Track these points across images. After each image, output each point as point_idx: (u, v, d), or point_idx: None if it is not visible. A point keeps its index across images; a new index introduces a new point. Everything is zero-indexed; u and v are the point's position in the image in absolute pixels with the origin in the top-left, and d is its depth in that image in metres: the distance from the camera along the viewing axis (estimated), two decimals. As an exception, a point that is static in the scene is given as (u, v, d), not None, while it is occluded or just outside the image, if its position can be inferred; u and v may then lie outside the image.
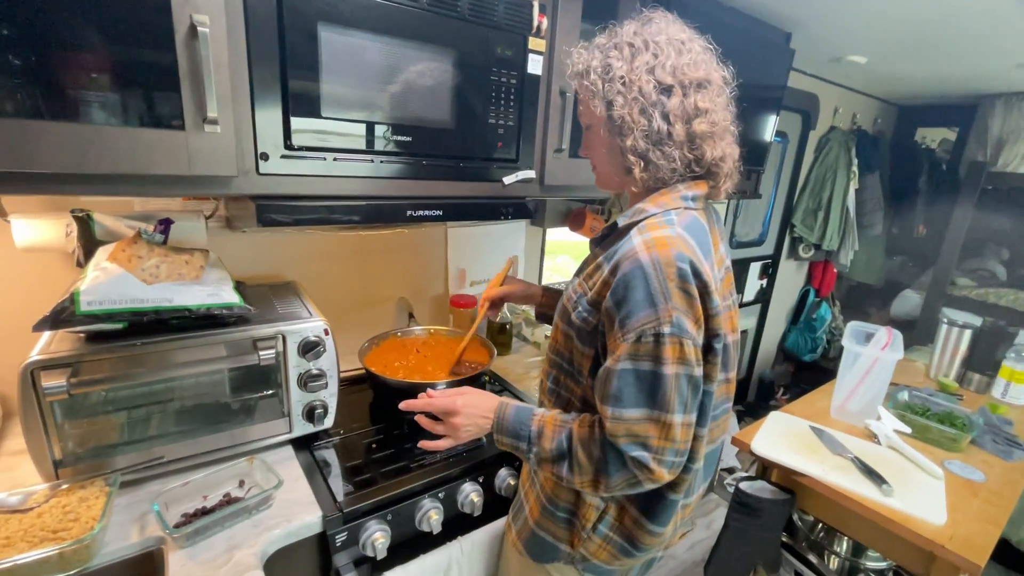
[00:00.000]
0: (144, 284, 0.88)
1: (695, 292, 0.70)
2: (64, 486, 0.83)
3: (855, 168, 2.90)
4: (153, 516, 0.82)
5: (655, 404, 0.70)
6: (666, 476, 0.72)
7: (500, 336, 1.62)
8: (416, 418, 0.90)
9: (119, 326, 0.86)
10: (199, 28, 0.75)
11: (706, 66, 0.77)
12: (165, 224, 1.06)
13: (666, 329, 0.68)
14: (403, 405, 0.91)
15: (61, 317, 0.80)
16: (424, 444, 0.89)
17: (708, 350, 0.75)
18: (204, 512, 0.87)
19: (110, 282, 0.85)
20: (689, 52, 0.76)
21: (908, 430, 1.36)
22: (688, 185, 0.79)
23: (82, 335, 0.87)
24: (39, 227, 0.99)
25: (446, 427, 0.87)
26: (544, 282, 2.03)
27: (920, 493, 1.13)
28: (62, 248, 1.01)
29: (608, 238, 0.83)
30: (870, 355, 1.37)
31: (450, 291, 1.70)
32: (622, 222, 0.79)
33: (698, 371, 0.72)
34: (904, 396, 1.52)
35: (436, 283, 1.70)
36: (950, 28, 1.64)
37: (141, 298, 0.87)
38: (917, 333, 2.80)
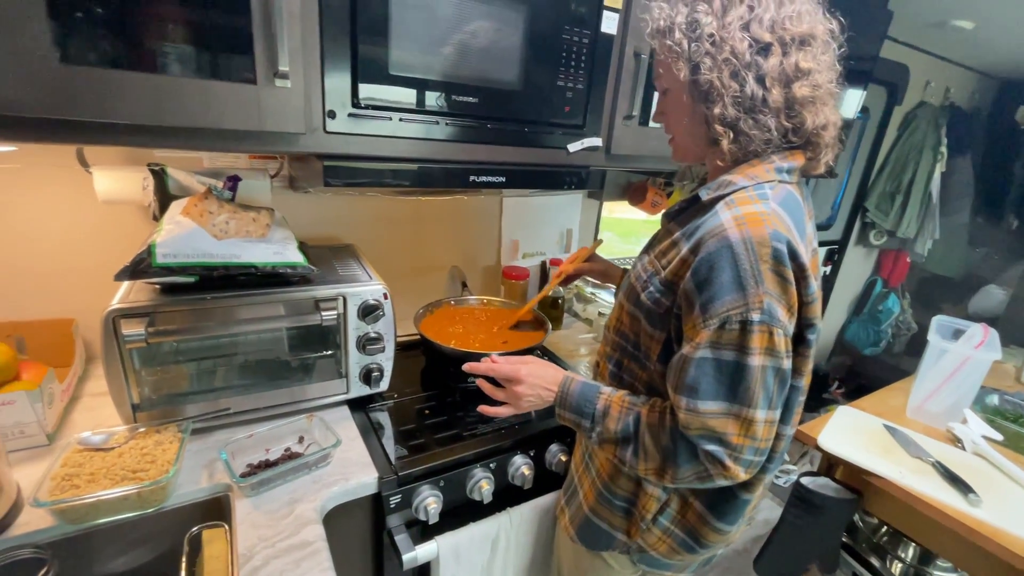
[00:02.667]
0: (215, 239, 0.89)
1: (791, 276, 0.63)
2: (141, 429, 0.87)
3: (943, 149, 2.64)
4: (221, 464, 0.85)
5: (736, 398, 0.64)
6: (742, 475, 0.67)
7: (552, 311, 1.59)
8: (478, 382, 0.88)
9: (191, 279, 0.88)
10: (274, -23, 0.73)
11: (810, 18, 0.67)
12: (233, 181, 1.08)
13: (755, 316, 0.61)
14: (467, 367, 0.89)
15: (139, 268, 0.83)
16: (483, 409, 0.87)
17: (800, 340, 0.68)
18: (268, 464, 0.89)
19: (184, 236, 0.87)
20: (792, 1, 0.66)
21: (999, 437, 1.24)
22: (783, 156, 0.70)
23: (157, 287, 0.90)
24: (118, 179, 1.02)
25: (508, 394, 0.85)
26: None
27: (1011, 506, 1.03)
28: (139, 201, 1.04)
29: (685, 212, 0.76)
30: (959, 353, 1.25)
31: (502, 262, 1.68)
32: (705, 195, 0.71)
33: (787, 364, 0.65)
34: (994, 400, 1.39)
35: (489, 253, 1.68)
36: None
37: (212, 253, 0.88)
38: (1002, 332, 2.56)
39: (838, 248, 2.81)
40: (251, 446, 0.93)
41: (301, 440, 0.98)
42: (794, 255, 0.63)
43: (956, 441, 1.24)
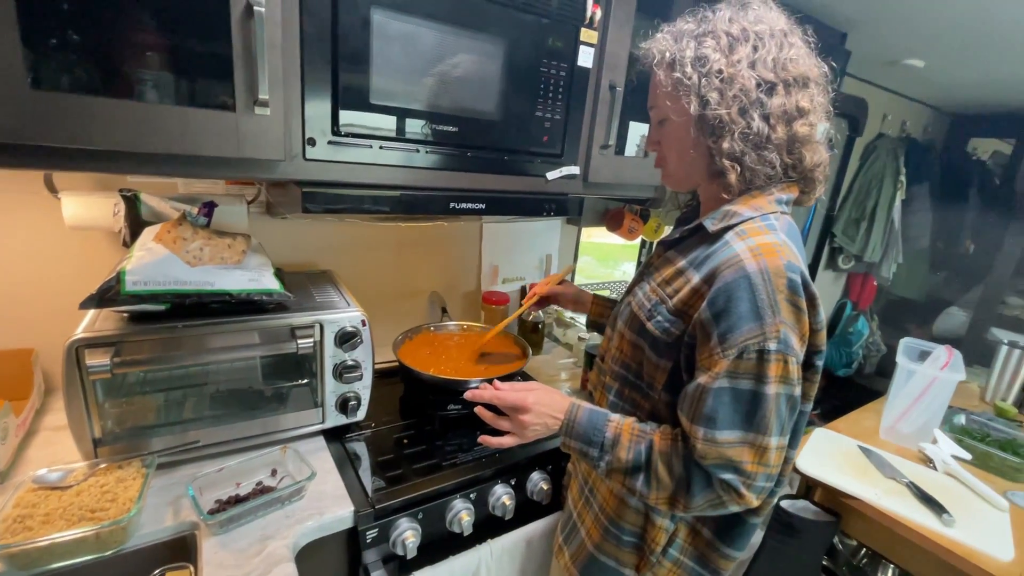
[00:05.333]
0: (188, 266, 0.88)
1: (804, 306, 0.64)
2: (102, 465, 0.83)
3: (903, 178, 2.77)
4: (187, 501, 0.82)
5: (752, 426, 0.65)
6: (754, 502, 0.67)
7: (532, 335, 1.59)
8: (476, 410, 0.83)
9: (162, 307, 0.85)
10: (255, 8, 0.74)
11: (806, 61, 0.70)
12: (209, 207, 1.06)
13: (772, 345, 0.62)
14: (469, 395, 0.84)
15: (107, 296, 0.80)
16: (485, 440, 0.83)
17: (808, 366, 0.69)
18: (238, 500, 0.86)
19: (155, 263, 0.85)
20: (792, 45, 0.69)
21: (967, 456, 1.27)
22: (781, 188, 0.73)
23: (125, 315, 0.87)
24: (88, 205, 1.00)
25: (513, 423, 0.81)
26: (575, 282, 1.99)
27: (983, 525, 1.05)
28: (109, 227, 1.02)
29: (686, 240, 0.77)
30: (927, 374, 1.29)
31: (482, 287, 1.68)
32: (711, 225, 0.72)
33: (798, 390, 0.67)
34: (961, 420, 1.43)
35: (469, 279, 1.68)
36: (1014, 33, 1.55)
37: (184, 280, 0.86)
38: (964, 352, 2.66)
39: (809, 272, 2.90)
40: (221, 480, 0.89)
41: (274, 473, 0.94)
42: (807, 285, 0.65)
43: (928, 461, 1.27)
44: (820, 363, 0.70)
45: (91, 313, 0.88)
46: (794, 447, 0.72)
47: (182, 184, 1.13)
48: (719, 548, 0.77)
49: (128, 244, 0.98)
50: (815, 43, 0.73)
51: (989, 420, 1.46)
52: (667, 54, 0.73)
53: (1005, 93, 2.40)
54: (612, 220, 1.75)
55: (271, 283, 0.94)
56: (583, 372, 1.47)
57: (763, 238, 0.66)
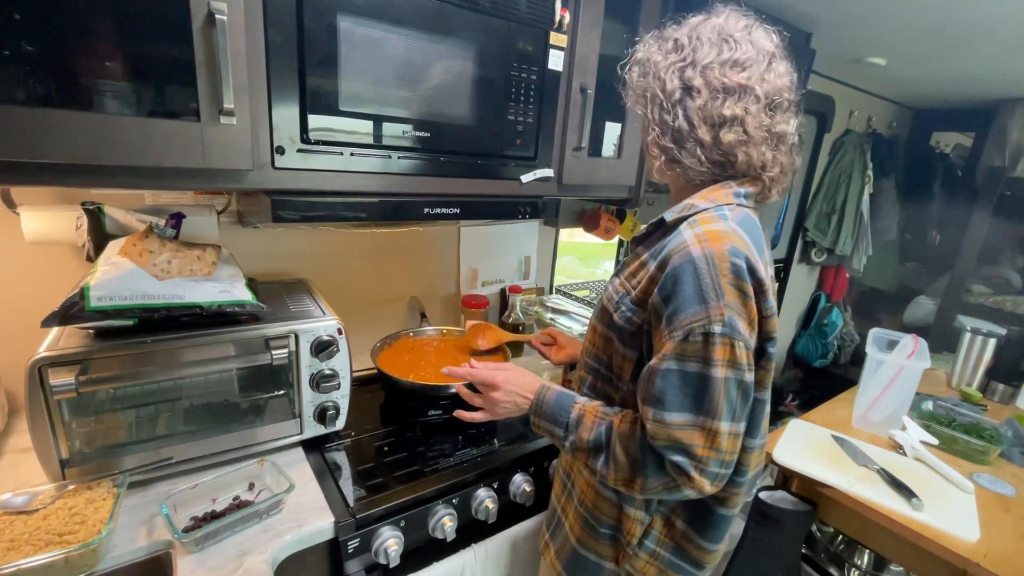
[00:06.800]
0: (155, 280, 0.86)
1: (750, 291, 0.66)
2: (71, 487, 0.81)
3: (870, 172, 2.85)
4: (162, 519, 0.80)
5: (701, 409, 0.66)
6: (707, 487, 0.68)
7: (512, 338, 1.59)
8: (456, 387, 0.91)
9: (129, 322, 0.83)
10: (217, 16, 0.73)
11: (751, 71, 0.71)
12: (177, 219, 1.04)
13: (717, 328, 0.64)
14: (446, 370, 0.93)
15: (70, 312, 0.78)
16: (459, 414, 0.90)
17: (761, 354, 0.71)
18: (214, 516, 0.84)
19: (121, 277, 0.83)
20: (733, 51, 0.71)
21: (935, 441, 1.32)
22: (741, 183, 0.75)
23: (91, 331, 0.85)
24: (48, 219, 0.97)
25: (484, 400, 0.87)
26: (554, 283, 2.00)
27: (951, 508, 1.09)
28: (72, 242, 0.99)
29: (652, 235, 0.80)
30: (895, 363, 1.33)
31: (461, 291, 1.68)
32: (669, 217, 0.76)
33: (749, 376, 0.67)
34: (928, 406, 1.48)
35: (447, 283, 1.68)
36: (971, 31, 1.61)
37: (152, 294, 0.84)
38: (932, 340, 2.75)
39: (784, 266, 2.97)
40: (196, 497, 0.87)
41: (251, 487, 0.93)
42: (752, 270, 0.66)
43: (898, 447, 1.31)
44: (773, 350, 0.71)
45: (55, 331, 0.86)
46: (754, 436, 0.73)
47: (149, 196, 1.10)
48: (694, 539, 0.78)
49: (92, 259, 0.95)
50: (782, 48, 0.75)
51: (955, 405, 1.51)
52: (638, 54, 0.79)
53: (964, 88, 2.49)
54: (589, 221, 1.77)
55: (243, 294, 0.93)
56: (563, 373, 1.48)
57: (711, 226, 0.68)
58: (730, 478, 0.72)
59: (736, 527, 1.27)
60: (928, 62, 2.06)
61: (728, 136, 0.71)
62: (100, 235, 0.97)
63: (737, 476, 0.74)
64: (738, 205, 0.73)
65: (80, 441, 0.86)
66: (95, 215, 0.98)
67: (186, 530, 0.79)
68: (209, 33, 0.74)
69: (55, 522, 0.74)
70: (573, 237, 1.98)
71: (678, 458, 0.66)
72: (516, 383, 0.85)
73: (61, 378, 0.77)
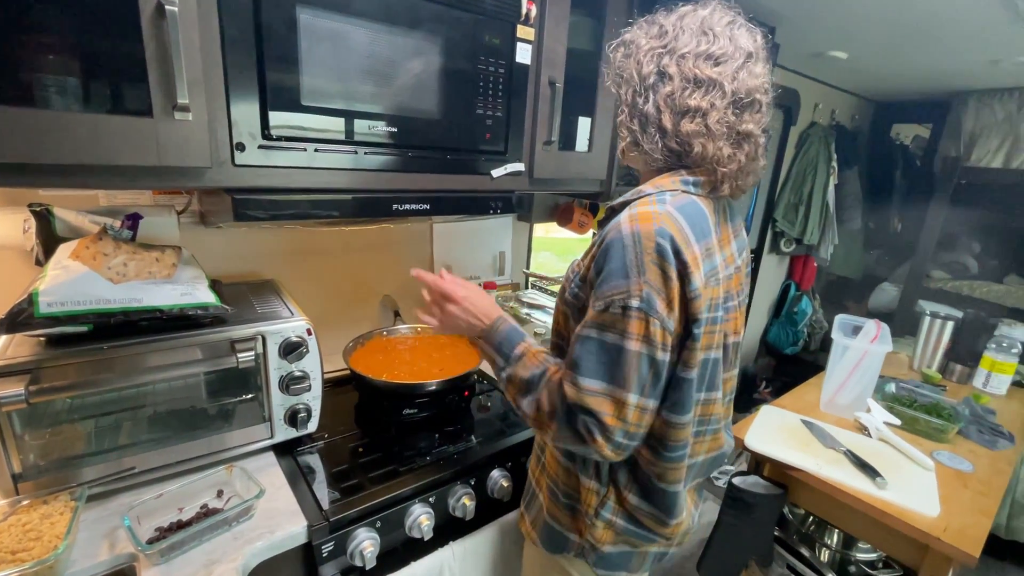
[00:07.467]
0: (110, 283, 0.82)
1: (672, 272, 0.67)
2: (24, 502, 0.77)
3: (834, 163, 2.93)
4: (124, 531, 0.77)
5: (612, 379, 0.69)
6: (608, 452, 0.71)
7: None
8: (423, 291, 0.92)
9: (83, 329, 0.80)
10: (167, 7, 0.70)
11: (725, 67, 0.72)
12: (133, 220, 1.00)
13: (634, 303, 0.67)
14: (414, 272, 0.94)
15: (18, 320, 0.74)
16: (418, 311, 0.93)
17: (687, 335, 0.72)
18: (180, 525, 0.82)
19: (73, 281, 0.79)
20: (710, 44, 0.72)
21: (897, 422, 1.37)
22: (691, 172, 0.76)
23: (42, 339, 0.81)
24: (-7, 223, 0.92)
25: (441, 311, 0.89)
26: (530, 281, 2.00)
27: (912, 485, 1.13)
28: (19, 246, 0.94)
29: (609, 219, 0.81)
30: (859, 348, 1.37)
31: (436, 288, 1.66)
32: (618, 201, 0.79)
33: (661, 355, 0.69)
34: (892, 388, 1.54)
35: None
36: (928, 26, 1.66)
37: (107, 298, 0.81)
38: (895, 325, 2.85)
39: (754, 256, 3.03)
40: (161, 507, 0.84)
41: (220, 494, 0.90)
42: (677, 252, 0.67)
43: (863, 429, 1.36)
44: (699, 331, 0.71)
45: (2, 339, 0.81)
46: (681, 413, 0.73)
47: (103, 196, 1.06)
48: (646, 511, 0.80)
49: (42, 263, 0.91)
50: (764, 50, 0.76)
51: (916, 387, 1.57)
52: (625, 36, 0.81)
53: (921, 82, 2.57)
54: (562, 215, 1.77)
55: (205, 296, 0.90)
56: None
57: (645, 207, 0.70)
58: (660, 453, 0.76)
59: (713, 514, 1.29)
60: (886, 56, 2.13)
61: (688, 126, 0.72)
62: (50, 238, 0.93)
63: (665, 451, 0.75)
64: (683, 192, 0.75)
65: (34, 454, 0.82)
66: (44, 217, 0.93)
67: (150, 541, 0.77)
68: (159, 25, 0.71)
69: (8, 539, 0.71)
70: (550, 232, 1.98)
71: (587, 420, 0.70)
72: (475, 304, 0.87)
73: (9, 389, 0.73)
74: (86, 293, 0.79)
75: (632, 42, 0.78)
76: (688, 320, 0.71)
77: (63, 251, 0.85)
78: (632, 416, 0.70)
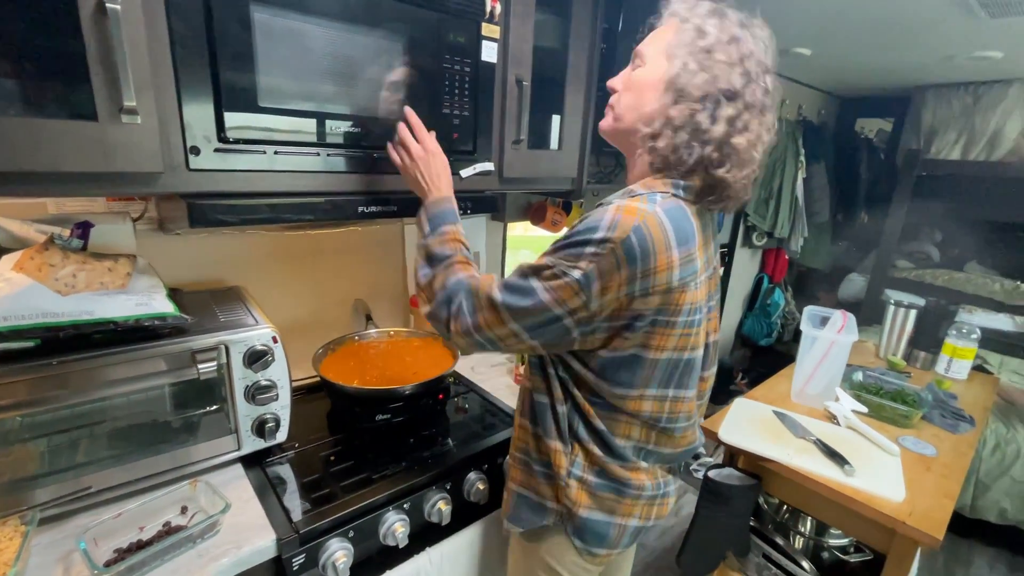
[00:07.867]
0: (58, 296, 0.79)
1: (624, 268, 0.67)
2: (-31, 529, 0.73)
3: (802, 158, 3.00)
4: (79, 554, 0.74)
5: (512, 306, 0.73)
6: (453, 338, 0.79)
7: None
8: (400, 123, 0.94)
9: (29, 344, 0.76)
10: (108, 5, 0.66)
11: (774, 96, 0.74)
12: (83, 228, 0.96)
13: (575, 274, 0.68)
14: (406, 109, 0.95)
15: (-44, 337, 0.70)
16: (389, 145, 0.96)
17: (627, 327, 0.73)
18: (140, 545, 0.78)
19: (15, 295, 0.75)
20: (767, 72, 0.74)
21: (864, 409, 1.40)
22: (685, 176, 0.75)
23: (-15, 356, 0.77)
24: (-71, 235, 0.87)
25: (407, 153, 0.92)
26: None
27: (879, 471, 1.16)
28: (-40, 258, 0.89)
29: None
30: (827, 338, 1.40)
31: (409, 290, 1.64)
32: (606, 200, 0.76)
33: (568, 321, 0.71)
34: (859, 376, 1.58)
35: (394, 282, 1.63)
36: (887, 23, 1.71)
37: (55, 311, 0.77)
38: (863, 314, 2.93)
39: (728, 250, 3.08)
40: (120, 527, 0.81)
41: (184, 511, 0.87)
42: (644, 256, 0.67)
43: (832, 418, 1.39)
44: (640, 324, 0.72)
45: (-58, 358, 0.77)
46: (630, 388, 0.77)
47: (52, 204, 1.01)
48: (613, 461, 0.82)
49: (-15, 275, 0.86)
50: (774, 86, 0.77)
51: (882, 375, 1.61)
52: (683, 10, 0.76)
53: (883, 77, 2.65)
54: (535, 214, 1.77)
55: (163, 306, 0.87)
56: (515, 368, 1.48)
57: (633, 203, 0.70)
58: (603, 407, 0.79)
59: (689, 506, 1.31)
60: (848, 52, 2.18)
61: (739, 140, 0.72)
62: (-7, 249, 0.88)
63: (620, 412, 0.79)
64: (672, 195, 0.74)
65: (-20, 477, 0.78)
66: (-14, 227, 0.88)
67: (108, 564, 0.74)
68: (101, 23, 0.67)
69: (-50, 570, 0.67)
70: (529, 231, 1.97)
71: (466, 305, 0.77)
72: (428, 170, 0.91)
73: (-52, 410, 0.69)
74: (31, 307, 0.75)
75: (706, 32, 0.72)
76: (629, 315, 0.71)
77: (5, 263, 0.81)
78: (497, 334, 0.75)
